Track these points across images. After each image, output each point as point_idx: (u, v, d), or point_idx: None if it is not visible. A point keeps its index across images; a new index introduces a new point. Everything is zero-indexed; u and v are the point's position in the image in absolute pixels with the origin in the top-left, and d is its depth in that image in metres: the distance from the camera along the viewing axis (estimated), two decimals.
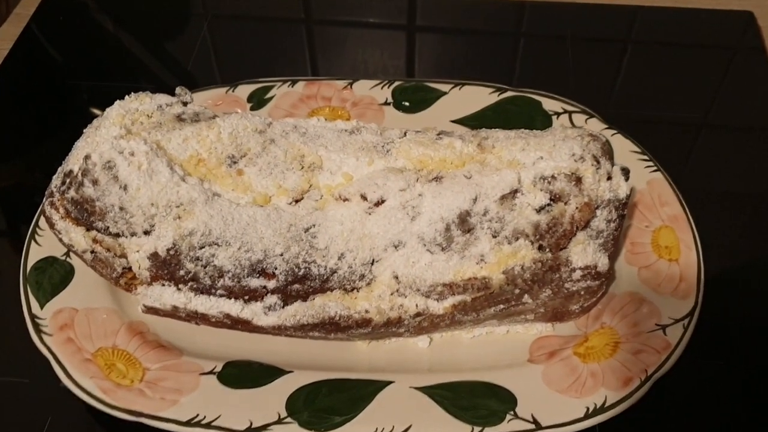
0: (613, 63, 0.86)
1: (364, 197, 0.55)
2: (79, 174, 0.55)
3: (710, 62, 0.85)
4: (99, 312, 0.60)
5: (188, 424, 0.53)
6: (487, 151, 0.57)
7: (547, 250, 0.54)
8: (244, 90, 0.75)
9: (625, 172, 0.57)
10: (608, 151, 0.58)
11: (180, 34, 0.93)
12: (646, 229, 0.64)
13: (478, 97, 0.74)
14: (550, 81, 0.82)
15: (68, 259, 0.63)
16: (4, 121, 0.82)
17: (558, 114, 0.72)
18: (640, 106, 0.80)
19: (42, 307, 0.60)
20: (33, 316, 0.59)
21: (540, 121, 0.72)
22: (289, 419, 0.54)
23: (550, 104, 0.72)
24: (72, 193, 0.55)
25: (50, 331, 0.58)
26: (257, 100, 0.74)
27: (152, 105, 0.60)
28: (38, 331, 0.58)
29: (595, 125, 0.70)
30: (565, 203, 0.54)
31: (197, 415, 0.54)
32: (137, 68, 0.89)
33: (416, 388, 0.56)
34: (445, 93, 0.74)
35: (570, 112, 0.72)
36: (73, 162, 0.56)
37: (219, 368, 0.57)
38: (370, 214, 0.55)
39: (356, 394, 0.55)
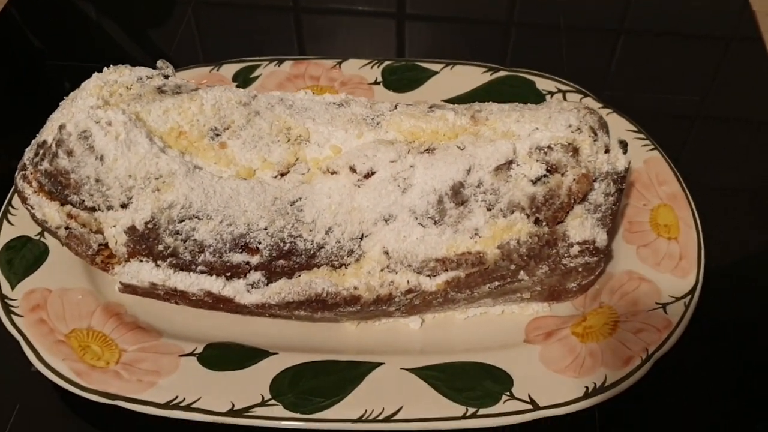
0: (607, 51, 0.84)
1: (353, 169, 0.53)
2: (53, 145, 0.52)
3: (705, 49, 0.83)
4: (74, 293, 0.58)
5: (167, 406, 0.51)
6: (480, 123, 0.55)
7: (544, 223, 0.52)
8: (229, 69, 0.72)
9: (623, 145, 0.55)
10: (604, 125, 0.56)
11: (164, 19, 0.90)
12: (644, 207, 0.62)
13: (470, 76, 0.71)
14: (543, 69, 0.80)
15: (42, 239, 0.60)
16: None
17: (552, 93, 0.70)
18: (634, 92, 0.79)
19: (13, 287, 0.57)
20: (3, 297, 0.56)
21: (533, 100, 0.68)
22: (273, 401, 0.51)
23: (543, 84, 0.70)
24: (45, 164, 0.52)
25: (21, 312, 0.55)
26: (242, 79, 0.72)
27: (132, 77, 0.58)
28: (8, 312, 0.55)
29: (590, 104, 0.68)
30: (562, 174, 0.52)
31: (176, 397, 0.51)
32: (119, 51, 0.86)
33: (407, 370, 0.53)
34: (436, 72, 0.72)
35: (564, 92, 0.70)
36: (47, 133, 0.54)
37: (200, 350, 0.55)
38: (359, 186, 0.53)
39: (344, 376, 0.53)
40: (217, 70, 0.72)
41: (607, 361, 0.52)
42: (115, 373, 0.52)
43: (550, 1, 0.88)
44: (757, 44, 0.83)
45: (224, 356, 0.54)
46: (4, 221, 0.61)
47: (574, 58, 0.82)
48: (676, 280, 0.57)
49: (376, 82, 0.72)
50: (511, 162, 0.52)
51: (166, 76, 0.59)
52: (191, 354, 0.54)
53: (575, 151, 0.52)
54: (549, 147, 0.52)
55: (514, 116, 0.55)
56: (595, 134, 0.53)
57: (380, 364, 0.53)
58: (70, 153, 0.51)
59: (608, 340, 0.54)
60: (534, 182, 0.52)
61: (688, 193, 0.62)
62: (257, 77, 0.72)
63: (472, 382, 0.52)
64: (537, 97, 0.70)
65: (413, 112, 0.56)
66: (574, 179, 0.52)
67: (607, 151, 0.54)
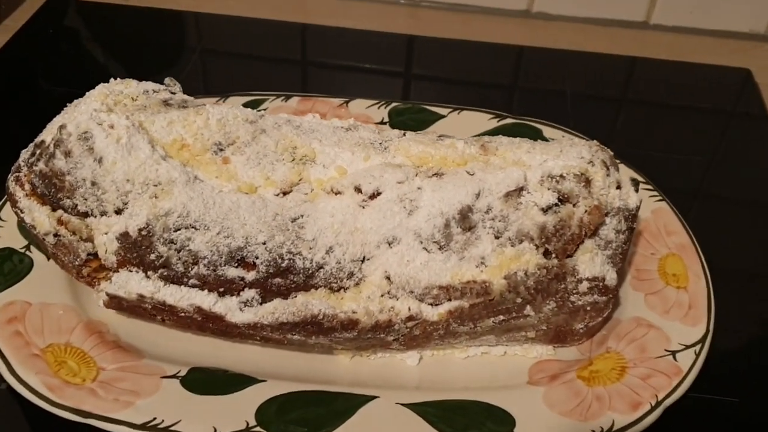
0: (610, 116, 0.84)
1: (358, 189, 0.51)
2: (52, 144, 0.50)
3: (709, 117, 0.84)
4: (55, 308, 0.55)
5: (143, 427, 0.47)
6: (490, 153, 0.54)
7: (553, 255, 0.50)
8: (235, 102, 0.72)
9: (635, 183, 0.53)
10: (615, 163, 0.55)
11: (170, 66, 0.91)
12: (651, 256, 0.60)
13: (477, 122, 0.71)
14: (547, 111, 0.80)
15: (28, 252, 0.58)
16: None
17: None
18: (639, 152, 0.78)
19: None
20: None
21: None
22: (258, 428, 0.47)
23: (550, 132, 0.70)
24: (41, 165, 0.50)
25: None
26: None
27: (138, 89, 0.57)
28: None
29: None
30: (574, 205, 0.50)
31: (154, 418, 0.47)
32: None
33: (404, 405, 0.50)
34: (443, 116, 0.72)
35: None
36: (47, 133, 0.52)
37: (183, 373, 0.51)
38: (363, 207, 0.51)
39: (336, 407, 0.49)
40: (224, 101, 0.72)
41: (615, 405, 0.50)
42: (91, 391, 0.49)
43: (555, 68, 0.89)
44: (761, 111, 0.83)
45: (209, 381, 0.51)
46: None
47: (579, 119, 0.82)
48: (685, 329, 0.55)
49: (382, 122, 0.71)
50: (521, 189, 0.50)
51: (173, 93, 0.59)
52: (174, 376, 0.51)
53: (587, 182, 0.51)
54: (561, 176, 0.51)
55: (525, 147, 0.54)
56: (608, 168, 0.52)
57: (374, 397, 0.50)
58: (68, 153, 0.50)
59: (616, 385, 0.51)
60: (545, 211, 0.50)
61: (696, 243, 0.61)
62: (263, 110, 0.71)
63: (472, 422, 0.49)
64: None
65: (422, 139, 0.55)
66: (586, 210, 0.50)
67: (618, 187, 0.53)
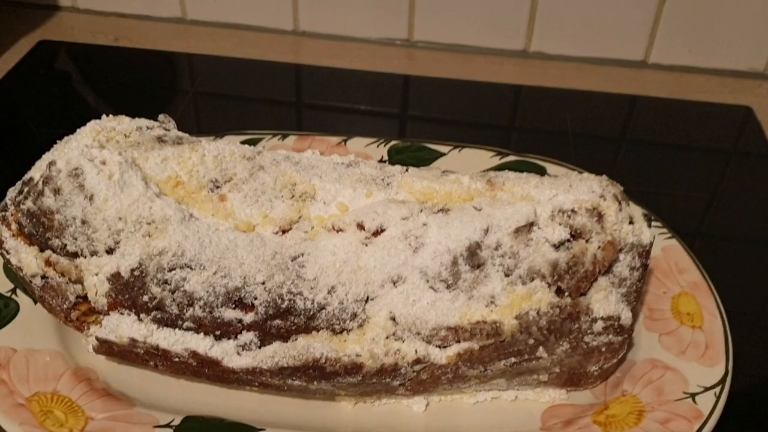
0: (612, 150, 0.83)
1: (360, 226, 0.49)
2: (40, 182, 0.48)
3: (711, 155, 0.83)
4: (42, 354, 0.52)
5: None
6: (497, 188, 0.52)
7: (566, 294, 0.48)
8: (231, 141, 0.70)
9: (647, 218, 0.52)
10: (626, 198, 0.53)
11: (163, 108, 0.89)
12: (664, 295, 0.58)
13: (479, 160, 0.70)
14: (548, 148, 0.79)
15: (14, 296, 0.55)
16: None
17: None
18: (642, 187, 0.77)
19: None
20: None
21: None
22: None
23: (555, 170, 0.68)
24: (29, 203, 0.48)
25: None
26: None
27: (131, 126, 0.55)
28: None
29: None
30: (587, 240, 0.48)
31: None
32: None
33: None
34: (443, 154, 0.70)
35: None
36: (36, 170, 0.50)
37: (177, 422, 0.48)
38: (366, 245, 0.49)
39: None
40: (219, 139, 0.70)
41: None
42: None
43: (553, 107, 0.88)
44: (764, 148, 0.82)
45: (204, 430, 0.48)
46: None
47: (580, 160, 0.81)
48: (703, 370, 0.52)
49: (382, 161, 0.70)
50: (532, 224, 0.48)
51: (167, 130, 0.57)
52: (167, 426, 0.48)
53: (600, 216, 0.49)
54: (573, 210, 0.49)
55: (533, 182, 0.52)
56: (620, 203, 0.51)
57: None
58: (57, 191, 0.48)
59: (634, 430, 0.48)
60: (556, 247, 0.48)
61: (709, 281, 0.59)
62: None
63: None
64: None
65: (426, 174, 0.54)
66: (600, 246, 0.48)
67: (631, 222, 0.51)
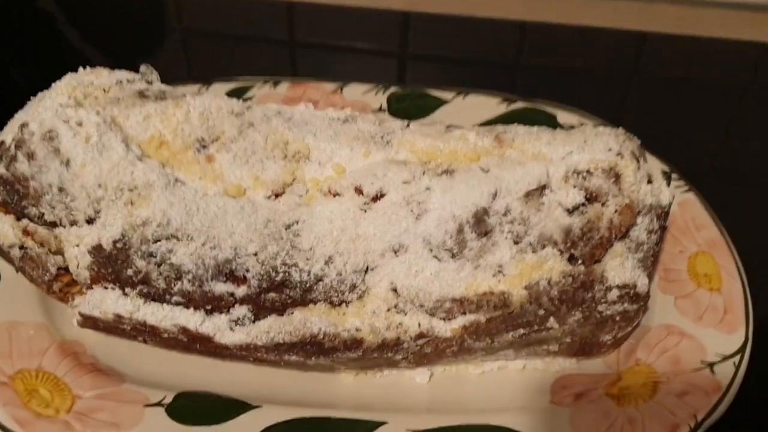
0: (621, 90, 0.79)
1: (359, 191, 0.46)
2: (12, 146, 0.44)
3: (726, 94, 0.78)
4: (25, 327, 0.49)
5: None
6: (506, 146, 0.48)
7: (580, 261, 0.45)
8: (219, 89, 0.66)
9: (667, 176, 0.48)
10: (644, 153, 0.50)
11: (150, 50, 0.84)
12: (680, 254, 0.55)
13: (484, 107, 0.65)
14: (557, 88, 0.74)
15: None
16: None
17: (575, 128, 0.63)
18: (655, 130, 0.73)
19: None
20: None
21: None
22: None
23: (565, 117, 0.64)
24: (1, 169, 0.45)
25: None
26: None
27: (110, 79, 0.51)
28: None
29: None
30: (603, 204, 0.45)
31: None
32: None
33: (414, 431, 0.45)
34: (446, 102, 0.66)
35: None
36: (7, 132, 0.46)
37: (169, 399, 0.46)
38: (365, 210, 0.45)
39: None
40: (206, 89, 0.65)
41: (648, 429, 0.45)
42: (65, 424, 0.44)
43: (560, 45, 0.83)
44: None
45: (198, 408, 0.46)
46: None
47: (589, 102, 0.77)
48: (722, 336, 0.50)
49: (380, 109, 0.65)
50: (543, 187, 0.45)
51: (150, 83, 0.53)
52: (158, 404, 0.46)
53: (617, 177, 0.45)
54: (588, 171, 0.45)
55: (545, 138, 0.48)
56: (638, 161, 0.47)
57: (382, 423, 0.45)
58: (31, 156, 0.44)
59: (648, 403, 0.46)
60: (570, 212, 0.45)
61: (728, 238, 0.55)
62: (249, 99, 0.65)
63: None
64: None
65: (428, 131, 0.50)
66: (617, 210, 0.45)
67: (650, 181, 0.47)
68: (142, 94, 0.50)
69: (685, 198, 0.58)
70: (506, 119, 0.65)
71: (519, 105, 0.65)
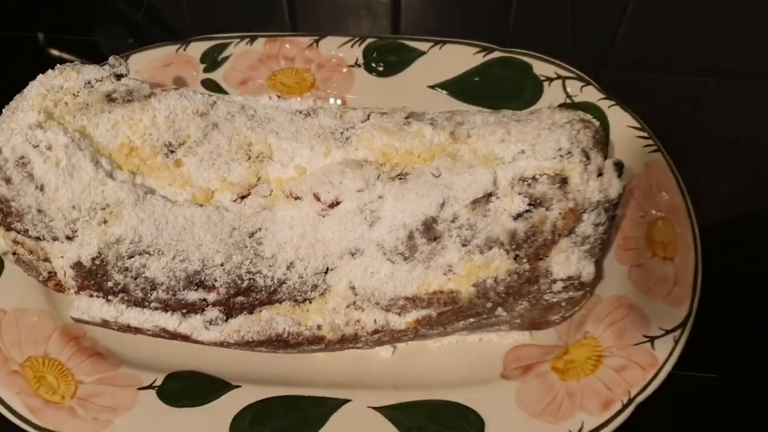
0: (615, 13, 0.76)
1: (317, 197, 0.48)
2: None
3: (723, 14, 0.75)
4: (30, 314, 0.55)
5: None
6: (461, 141, 0.50)
7: (524, 260, 0.48)
8: (197, 48, 0.66)
9: (619, 167, 0.49)
10: (601, 140, 0.51)
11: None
12: (641, 220, 0.57)
13: (461, 57, 0.65)
14: (545, 35, 0.73)
15: None
16: None
17: (551, 80, 0.63)
18: (644, 63, 0.72)
19: None
20: None
21: (530, 87, 0.64)
22: None
23: (541, 68, 0.64)
24: None
25: None
26: (211, 61, 0.66)
27: (79, 81, 0.52)
28: None
29: (591, 94, 0.62)
30: (547, 209, 0.47)
31: None
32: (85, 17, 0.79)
33: (374, 408, 0.50)
34: (423, 53, 0.66)
35: (564, 78, 0.63)
36: None
37: (159, 381, 0.52)
38: (323, 216, 0.48)
39: (308, 415, 0.50)
40: (184, 50, 0.66)
41: (585, 404, 0.49)
42: (70, 410, 0.50)
43: None
44: None
45: (184, 389, 0.52)
46: None
47: (581, 21, 0.75)
48: (667, 309, 0.53)
49: (356, 64, 0.66)
50: (490, 195, 0.47)
51: (119, 76, 0.54)
52: (150, 387, 0.52)
53: (563, 181, 0.47)
54: (533, 178, 0.47)
55: (499, 133, 0.49)
56: (588, 157, 0.48)
57: (346, 401, 0.51)
58: (8, 180, 0.47)
59: (589, 378, 0.51)
60: (515, 218, 0.47)
61: (689, 204, 0.57)
62: (227, 58, 0.66)
63: (442, 427, 0.49)
64: (534, 83, 0.64)
65: (387, 124, 0.51)
66: (560, 213, 0.47)
67: (600, 173, 0.49)
68: (109, 98, 0.52)
69: (652, 159, 0.59)
70: (482, 71, 0.65)
71: (495, 55, 0.65)
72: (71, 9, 0.80)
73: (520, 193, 0.47)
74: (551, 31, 0.75)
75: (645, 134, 0.60)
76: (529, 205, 0.47)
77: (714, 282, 0.55)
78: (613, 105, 0.61)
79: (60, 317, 0.55)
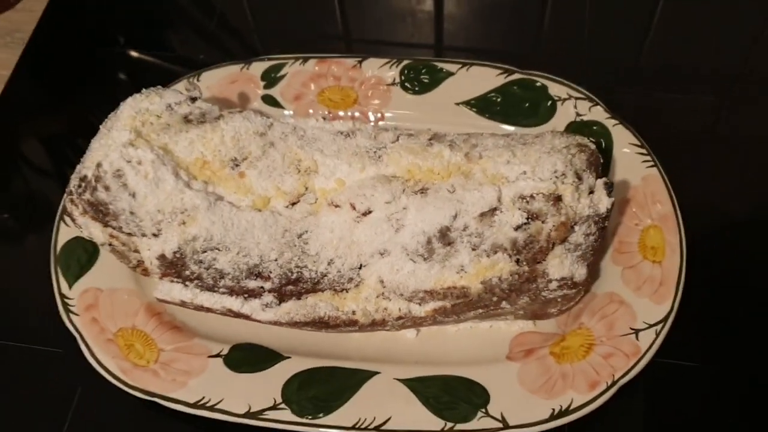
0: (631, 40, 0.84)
1: (353, 206, 0.59)
2: (93, 180, 0.59)
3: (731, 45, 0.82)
4: (121, 293, 0.67)
5: (195, 405, 0.60)
6: (473, 162, 0.59)
7: (524, 263, 0.57)
8: (258, 68, 0.77)
9: (608, 186, 0.58)
10: (595, 162, 0.60)
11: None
12: (635, 227, 0.66)
13: (485, 78, 0.74)
14: (562, 62, 0.81)
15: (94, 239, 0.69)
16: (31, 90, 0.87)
17: (563, 100, 0.72)
18: (652, 85, 0.80)
19: (70, 286, 0.66)
20: (62, 296, 0.66)
21: (545, 106, 0.72)
22: (283, 405, 0.60)
23: (556, 89, 0.72)
24: (87, 196, 0.60)
25: (77, 311, 0.65)
26: (270, 79, 0.76)
27: (161, 104, 0.63)
28: (67, 310, 0.65)
29: (599, 113, 0.71)
30: (543, 222, 0.56)
31: (203, 397, 0.61)
32: (163, 34, 0.91)
33: (399, 380, 0.61)
34: (452, 73, 0.75)
35: (575, 98, 0.72)
36: (88, 166, 0.61)
37: (225, 351, 0.63)
38: (358, 222, 0.59)
39: (344, 383, 0.61)
40: (247, 69, 0.77)
41: (576, 384, 0.59)
42: (154, 372, 0.62)
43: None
44: None
45: (245, 358, 0.63)
46: (61, 223, 0.70)
47: (601, 36, 0.82)
48: (652, 306, 0.61)
49: (394, 83, 0.75)
50: (495, 209, 0.56)
51: (194, 99, 0.65)
52: (218, 355, 0.63)
53: (557, 199, 0.56)
54: (531, 196, 0.56)
55: (506, 156, 0.59)
56: (580, 179, 0.57)
57: (376, 373, 0.61)
58: (107, 188, 0.59)
59: (581, 362, 0.60)
60: (516, 228, 0.56)
61: (679, 214, 0.65)
62: (283, 76, 0.76)
63: (454, 397, 0.59)
64: (548, 102, 0.72)
65: (413, 145, 0.61)
66: (554, 226, 0.56)
67: (592, 191, 0.58)
68: (186, 119, 0.63)
69: (649, 173, 0.67)
70: (503, 90, 0.74)
71: (515, 76, 0.74)
72: (152, 26, 0.92)
73: (519, 209, 0.56)
74: (571, 52, 0.83)
75: (644, 150, 0.68)
76: (527, 218, 0.56)
77: (700, 282, 0.64)
78: (617, 124, 0.70)
79: (145, 296, 0.67)
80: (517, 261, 0.57)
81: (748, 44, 0.82)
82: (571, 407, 0.58)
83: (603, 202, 0.58)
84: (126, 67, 0.87)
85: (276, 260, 0.59)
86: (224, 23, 0.90)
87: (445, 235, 0.57)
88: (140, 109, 0.63)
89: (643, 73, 0.81)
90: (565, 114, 0.71)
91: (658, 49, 0.83)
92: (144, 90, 0.65)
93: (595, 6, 0.86)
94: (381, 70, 0.76)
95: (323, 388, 0.61)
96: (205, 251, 0.59)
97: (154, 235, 0.59)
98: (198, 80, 0.77)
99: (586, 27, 0.84)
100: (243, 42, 0.90)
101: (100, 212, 0.60)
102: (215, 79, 0.77)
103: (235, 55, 0.88)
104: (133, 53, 0.89)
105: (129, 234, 0.60)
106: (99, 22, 0.92)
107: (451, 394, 0.60)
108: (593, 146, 0.61)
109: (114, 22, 0.92)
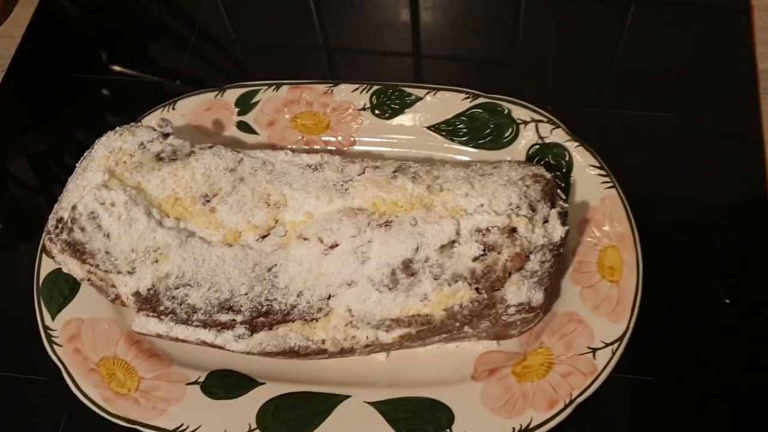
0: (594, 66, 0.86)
1: (320, 240, 0.61)
2: (69, 221, 0.62)
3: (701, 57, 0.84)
4: (102, 322, 0.69)
5: None
6: (435, 194, 0.62)
7: (483, 291, 0.60)
8: (232, 95, 0.79)
9: (562, 216, 0.61)
10: (549, 192, 0.62)
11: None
12: (594, 247, 0.68)
13: (451, 102, 0.76)
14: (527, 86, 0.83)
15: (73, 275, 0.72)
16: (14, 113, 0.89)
17: (526, 123, 0.74)
18: (615, 105, 0.82)
19: (53, 318, 0.69)
20: (46, 328, 0.69)
21: (508, 129, 0.75)
22: (258, 431, 0.63)
23: (518, 112, 0.75)
24: (65, 236, 0.63)
25: (61, 342, 0.68)
26: (244, 105, 0.79)
27: (134, 143, 0.66)
28: (50, 341, 0.68)
29: (560, 136, 0.73)
30: (498, 252, 0.59)
31: (182, 424, 0.63)
32: (140, 55, 0.93)
33: (369, 403, 0.64)
34: (420, 98, 0.77)
35: (537, 122, 0.74)
36: (64, 207, 0.63)
37: (202, 378, 0.66)
38: (326, 255, 0.61)
39: (316, 408, 0.64)
40: (221, 96, 0.79)
41: (535, 403, 0.62)
42: (135, 401, 0.65)
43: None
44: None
45: (221, 385, 0.66)
46: (43, 255, 0.72)
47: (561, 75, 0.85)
48: (609, 325, 0.64)
49: (364, 108, 0.77)
50: (454, 242, 0.59)
51: (166, 135, 0.67)
52: (195, 382, 0.66)
53: (512, 231, 0.59)
54: (487, 229, 0.59)
55: (465, 189, 0.61)
56: (534, 210, 0.60)
57: (347, 396, 0.64)
58: (83, 229, 0.61)
59: (540, 381, 0.63)
60: (474, 259, 0.59)
61: (636, 235, 0.67)
62: (257, 103, 0.78)
63: (422, 419, 0.62)
64: (512, 125, 0.74)
65: (378, 178, 0.63)
66: (509, 257, 0.59)
67: (546, 221, 0.60)
68: (158, 157, 0.65)
69: (608, 194, 0.70)
70: (469, 114, 0.76)
71: (480, 100, 0.76)
72: (132, 45, 0.94)
73: (477, 241, 0.59)
74: (536, 76, 0.85)
75: (603, 171, 0.71)
76: (484, 250, 0.59)
77: (656, 300, 0.66)
78: (578, 146, 0.72)
79: (126, 324, 0.69)
80: (477, 289, 0.60)
81: (710, 69, 0.84)
82: (531, 426, 0.61)
83: (557, 231, 0.60)
84: (107, 86, 0.89)
85: (246, 294, 0.61)
86: (205, 35, 0.92)
87: (408, 267, 0.59)
88: (114, 148, 0.66)
89: (606, 93, 0.83)
90: (528, 136, 0.74)
91: (625, 69, 0.85)
92: (117, 128, 0.67)
93: (563, 25, 0.88)
94: (352, 96, 0.78)
95: (296, 413, 0.64)
96: (178, 287, 0.61)
97: (129, 272, 0.62)
98: (174, 108, 0.79)
99: (555, 47, 0.86)
100: (224, 53, 0.92)
101: (78, 251, 0.63)
102: (190, 107, 0.79)
103: (218, 66, 0.90)
104: (116, 68, 0.91)
105: (105, 271, 0.63)
106: (79, 42, 0.94)
107: (419, 416, 0.63)
108: (549, 175, 0.63)
109: (94, 42, 0.94)
